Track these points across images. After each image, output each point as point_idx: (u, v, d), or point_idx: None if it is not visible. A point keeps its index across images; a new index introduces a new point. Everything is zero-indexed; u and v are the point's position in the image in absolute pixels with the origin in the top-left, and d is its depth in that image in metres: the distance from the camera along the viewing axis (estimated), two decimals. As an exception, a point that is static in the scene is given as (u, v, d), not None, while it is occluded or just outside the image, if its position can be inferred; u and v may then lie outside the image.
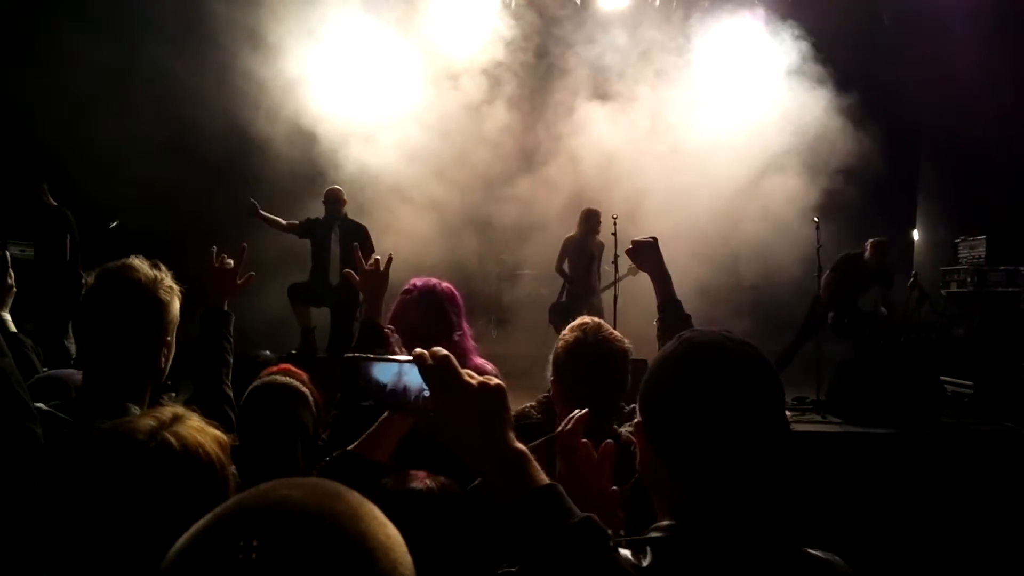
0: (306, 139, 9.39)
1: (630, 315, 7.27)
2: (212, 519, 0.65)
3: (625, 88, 9.82)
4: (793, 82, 9.48)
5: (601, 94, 9.89)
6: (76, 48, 7.99)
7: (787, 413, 5.89)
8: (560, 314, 7.94)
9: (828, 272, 7.33)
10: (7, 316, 2.50)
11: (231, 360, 2.24)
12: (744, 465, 1.13)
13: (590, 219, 8.05)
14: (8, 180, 7.30)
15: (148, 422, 1.23)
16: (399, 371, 1.09)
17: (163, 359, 1.85)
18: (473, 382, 1.05)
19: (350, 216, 8.02)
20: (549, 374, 2.32)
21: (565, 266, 8.37)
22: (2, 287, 2.52)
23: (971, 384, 7.08)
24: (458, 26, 9.71)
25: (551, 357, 2.28)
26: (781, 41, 9.61)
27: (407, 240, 9.13)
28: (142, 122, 8.53)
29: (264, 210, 7.75)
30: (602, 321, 2.33)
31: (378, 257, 2.51)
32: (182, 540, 0.64)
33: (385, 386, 1.10)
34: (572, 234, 8.27)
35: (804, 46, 9.49)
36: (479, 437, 1.03)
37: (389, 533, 0.68)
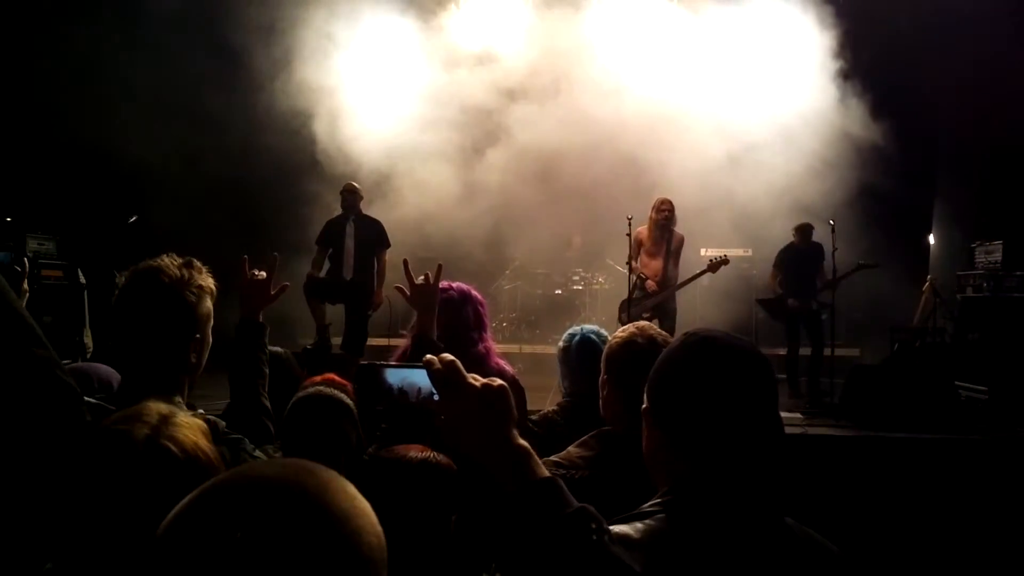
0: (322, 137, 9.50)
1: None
2: (196, 494, 0.74)
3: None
4: (810, 84, 9.44)
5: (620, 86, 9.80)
6: (105, 53, 8.11)
7: (799, 416, 5.86)
8: (630, 310, 7.38)
9: (772, 270, 8.26)
10: None
11: (267, 371, 2.24)
12: (739, 444, 1.24)
13: (661, 209, 7.46)
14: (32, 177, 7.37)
15: (143, 430, 1.24)
16: (410, 376, 1.17)
17: (194, 355, 1.88)
18: (477, 384, 1.13)
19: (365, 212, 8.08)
20: (601, 373, 2.25)
21: (638, 261, 7.65)
22: (17, 293, 2.58)
23: (986, 389, 7.04)
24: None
25: (603, 356, 2.19)
26: (800, 41, 9.56)
27: (420, 238, 9.19)
28: (168, 126, 8.65)
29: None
30: (647, 323, 2.30)
31: (428, 272, 2.40)
32: (172, 514, 0.73)
33: (397, 391, 1.18)
34: (643, 226, 7.63)
35: (822, 47, 9.45)
36: (483, 435, 1.10)
37: (355, 504, 0.76)
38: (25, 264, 2.64)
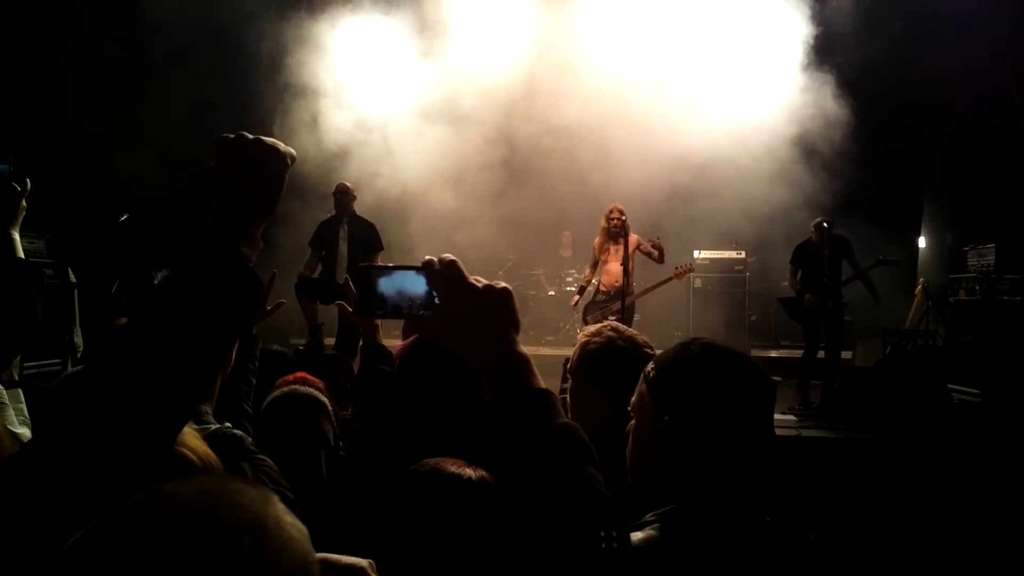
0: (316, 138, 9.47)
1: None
2: (96, 524, 0.64)
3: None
4: (799, 86, 9.44)
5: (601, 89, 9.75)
6: (98, 55, 8.09)
7: (793, 418, 5.88)
8: (593, 313, 7.77)
9: (789, 268, 7.89)
10: (16, 236, 2.33)
11: (253, 381, 2.24)
12: (753, 451, 1.30)
13: (611, 217, 7.70)
14: (22, 174, 7.29)
15: None
16: (409, 279, 1.09)
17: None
18: (479, 284, 1.06)
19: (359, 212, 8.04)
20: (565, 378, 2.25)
21: (597, 268, 8.06)
22: (17, 208, 2.36)
23: (978, 392, 7.06)
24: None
25: (578, 360, 2.15)
26: (789, 42, 9.55)
27: (414, 239, 9.16)
28: (159, 127, 8.63)
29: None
30: (617, 323, 2.28)
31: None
32: (70, 541, 0.63)
33: (396, 293, 1.10)
34: (599, 238, 7.96)
35: (810, 48, 9.45)
36: (484, 337, 1.03)
37: (275, 539, 0.65)
38: (27, 182, 2.45)
